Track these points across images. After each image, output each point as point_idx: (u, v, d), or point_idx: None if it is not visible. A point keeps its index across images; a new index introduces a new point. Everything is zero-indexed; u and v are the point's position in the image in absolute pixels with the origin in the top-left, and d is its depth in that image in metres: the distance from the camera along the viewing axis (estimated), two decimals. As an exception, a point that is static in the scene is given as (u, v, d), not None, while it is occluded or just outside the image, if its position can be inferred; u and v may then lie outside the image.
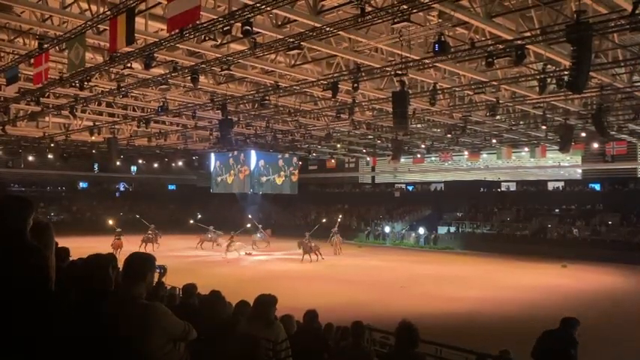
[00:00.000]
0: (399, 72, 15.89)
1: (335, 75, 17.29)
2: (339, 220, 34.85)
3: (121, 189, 59.75)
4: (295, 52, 14.61)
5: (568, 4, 12.50)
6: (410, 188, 51.61)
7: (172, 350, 3.30)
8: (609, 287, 22.11)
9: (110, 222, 33.80)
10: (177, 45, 14.39)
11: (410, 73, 16.56)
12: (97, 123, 27.73)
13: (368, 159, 47.95)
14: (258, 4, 11.20)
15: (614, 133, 26.70)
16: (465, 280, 23.01)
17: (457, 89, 19.32)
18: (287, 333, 5.10)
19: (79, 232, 38.72)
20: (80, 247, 8.94)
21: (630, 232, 32.60)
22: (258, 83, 20.32)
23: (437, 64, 16.13)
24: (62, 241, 5.77)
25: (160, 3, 12.36)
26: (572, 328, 5.95)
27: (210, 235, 34.37)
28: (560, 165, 43.31)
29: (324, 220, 35.52)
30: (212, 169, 41.39)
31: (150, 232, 34.00)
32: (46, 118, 27.32)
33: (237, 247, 28.75)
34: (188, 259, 27.58)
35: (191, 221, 39.61)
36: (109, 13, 11.90)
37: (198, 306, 6.71)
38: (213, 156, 40.79)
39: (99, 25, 12.81)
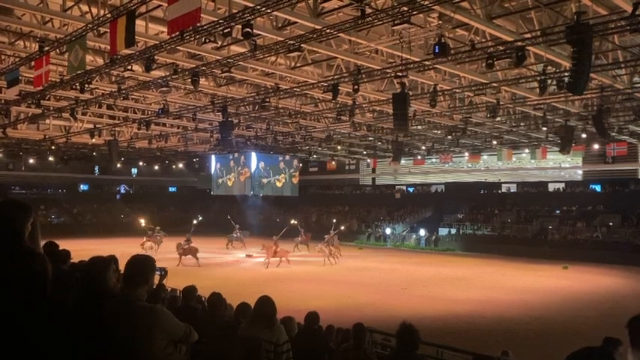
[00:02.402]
0: (400, 74, 15.90)
1: (335, 77, 17.30)
2: (333, 229, 31.33)
3: (122, 191, 59.76)
4: (295, 54, 14.64)
5: (568, 6, 12.51)
6: (410, 190, 51.65)
7: (173, 353, 3.30)
8: (610, 288, 22.08)
9: (143, 222, 34.04)
10: (178, 47, 14.40)
11: (410, 75, 16.57)
12: (97, 125, 27.74)
13: (368, 161, 47.98)
14: (258, 7, 11.22)
15: (614, 134, 26.71)
16: (466, 282, 23.01)
17: (457, 91, 19.32)
18: (288, 335, 5.10)
19: (80, 234, 38.87)
20: (81, 249, 8.95)
21: (631, 233, 32.59)
22: (259, 85, 20.33)
23: (437, 66, 16.12)
24: (63, 244, 5.78)
25: (160, 5, 12.36)
26: (614, 348, 5.76)
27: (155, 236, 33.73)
28: (560, 166, 43.32)
29: (293, 222, 35.18)
30: (213, 171, 41.38)
31: (235, 232, 34.31)
32: (47, 121, 27.36)
33: (147, 247, 28.89)
34: (188, 261, 27.54)
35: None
36: (109, 15, 11.92)
37: (199, 308, 6.71)
38: (213, 158, 40.78)
39: (99, 28, 12.82)
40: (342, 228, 33.37)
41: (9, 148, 35.97)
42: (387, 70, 16.35)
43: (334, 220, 34.49)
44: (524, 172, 45.78)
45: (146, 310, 3.24)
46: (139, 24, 12.23)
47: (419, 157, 40.98)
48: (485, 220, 40.70)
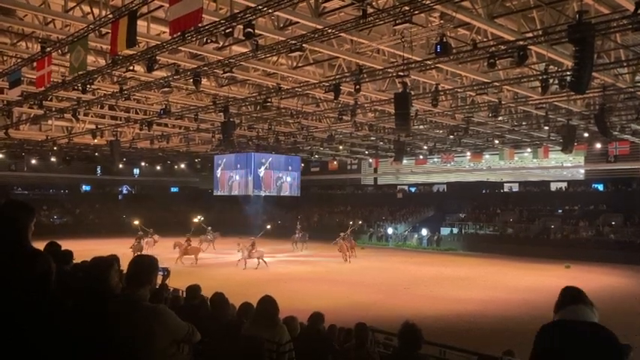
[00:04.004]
0: (401, 73, 15.90)
1: (337, 77, 17.29)
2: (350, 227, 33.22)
3: (124, 192, 59.81)
4: (297, 54, 14.65)
5: (570, 5, 12.49)
6: (412, 189, 51.59)
7: (176, 353, 3.30)
8: (612, 288, 22.03)
9: (196, 220, 34.25)
10: (180, 48, 14.42)
11: (412, 75, 16.56)
12: (99, 126, 27.80)
13: (370, 160, 47.96)
14: (259, 7, 11.22)
15: (616, 133, 26.64)
16: (468, 282, 22.98)
17: (459, 90, 19.31)
18: (290, 335, 5.10)
19: (82, 235, 38.88)
20: (83, 249, 8.96)
21: (634, 232, 32.52)
22: (260, 85, 20.34)
23: (439, 66, 16.12)
24: (65, 244, 5.81)
25: (162, 6, 12.38)
26: (625, 355, 5.67)
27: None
28: (562, 165, 43.25)
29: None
30: (214, 171, 41.43)
31: (297, 233, 34.49)
32: (49, 122, 27.42)
33: (137, 247, 29.08)
34: (189, 261, 27.56)
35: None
36: (110, 16, 11.94)
37: (202, 308, 6.72)
38: (215, 158, 40.84)
39: (101, 29, 12.85)
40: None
41: (11, 148, 36.05)
42: (389, 70, 16.35)
43: (359, 221, 34.36)
44: (526, 172, 45.71)
45: (149, 310, 3.25)
46: (141, 24, 12.24)
47: (421, 157, 40.97)
48: (488, 219, 40.65)
